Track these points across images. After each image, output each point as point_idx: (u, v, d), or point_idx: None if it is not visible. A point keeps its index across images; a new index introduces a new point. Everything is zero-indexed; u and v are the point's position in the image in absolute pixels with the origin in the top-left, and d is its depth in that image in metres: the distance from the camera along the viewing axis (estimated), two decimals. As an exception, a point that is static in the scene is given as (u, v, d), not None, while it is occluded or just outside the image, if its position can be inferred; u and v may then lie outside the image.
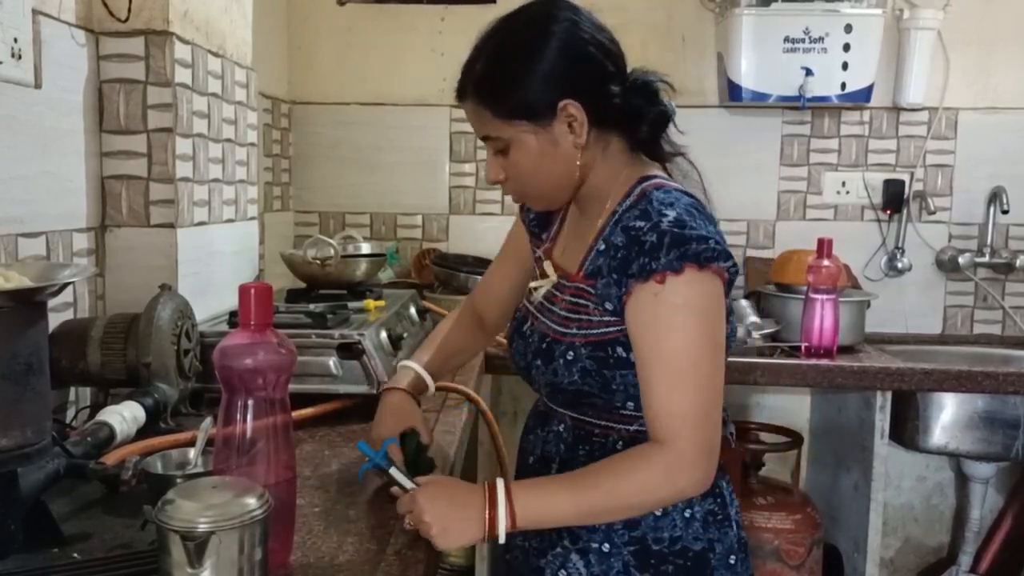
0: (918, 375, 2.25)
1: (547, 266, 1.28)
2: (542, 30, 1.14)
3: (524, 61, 1.13)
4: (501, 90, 1.15)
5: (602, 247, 1.16)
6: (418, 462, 1.20)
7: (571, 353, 1.16)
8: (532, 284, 1.29)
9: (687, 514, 1.18)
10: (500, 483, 1.06)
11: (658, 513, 1.17)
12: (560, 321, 1.19)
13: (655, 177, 1.19)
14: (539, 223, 1.35)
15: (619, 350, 1.14)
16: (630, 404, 1.16)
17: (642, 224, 1.10)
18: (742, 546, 1.24)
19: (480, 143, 2.87)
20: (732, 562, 1.21)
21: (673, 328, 1.06)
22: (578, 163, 1.16)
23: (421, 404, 1.34)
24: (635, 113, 1.18)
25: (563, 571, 1.20)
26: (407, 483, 1.07)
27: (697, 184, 1.23)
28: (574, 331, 1.17)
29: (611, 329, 1.14)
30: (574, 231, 1.27)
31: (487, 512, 1.03)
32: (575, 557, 1.19)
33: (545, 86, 1.13)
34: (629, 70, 1.20)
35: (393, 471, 1.07)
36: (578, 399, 1.20)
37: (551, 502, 1.06)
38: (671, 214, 1.10)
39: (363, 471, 1.10)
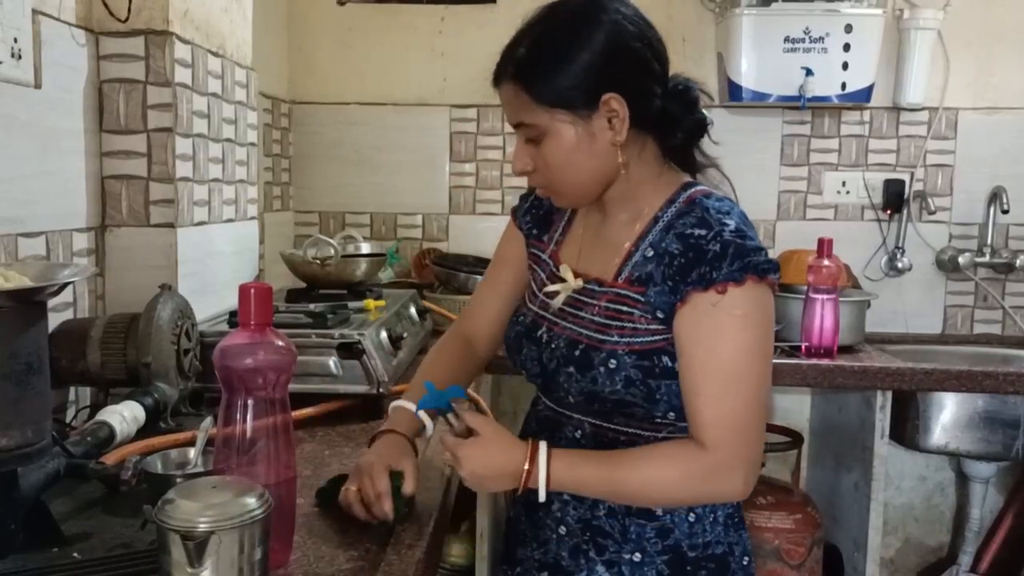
0: (918, 375, 2.25)
1: (564, 270, 1.22)
2: (591, 19, 1.10)
3: (570, 48, 1.09)
4: (544, 75, 1.10)
5: (650, 253, 1.13)
6: (395, 506, 1.09)
7: (613, 361, 1.12)
8: (549, 289, 1.22)
9: (711, 517, 1.17)
10: (543, 445, 1.09)
11: (691, 519, 1.16)
12: (597, 328, 1.15)
13: (698, 184, 1.18)
14: (538, 223, 1.31)
15: (665, 359, 1.11)
16: (671, 414, 1.14)
17: (703, 232, 1.09)
18: (750, 546, 1.24)
19: (481, 143, 2.91)
20: (746, 563, 1.20)
21: (729, 339, 1.06)
22: (619, 160, 1.13)
23: (418, 448, 1.24)
24: (672, 118, 1.15)
25: None
26: (458, 426, 1.11)
27: (730, 195, 1.21)
28: (615, 338, 1.12)
29: (658, 338, 1.11)
30: (595, 234, 1.23)
31: (526, 466, 1.07)
32: (601, 569, 1.16)
33: (590, 76, 1.09)
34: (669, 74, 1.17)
35: (449, 416, 1.12)
36: (617, 408, 1.15)
37: (588, 473, 1.09)
38: (731, 223, 1.09)
39: (421, 406, 1.15)
